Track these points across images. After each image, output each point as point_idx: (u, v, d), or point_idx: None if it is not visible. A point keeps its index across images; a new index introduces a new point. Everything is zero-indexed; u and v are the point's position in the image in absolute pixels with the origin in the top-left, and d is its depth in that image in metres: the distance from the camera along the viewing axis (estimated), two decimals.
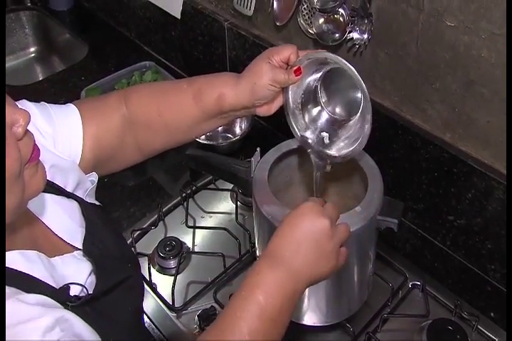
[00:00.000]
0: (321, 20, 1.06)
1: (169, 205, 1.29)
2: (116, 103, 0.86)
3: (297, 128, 0.87)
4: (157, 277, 1.16)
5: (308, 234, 0.70)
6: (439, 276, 1.11)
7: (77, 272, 0.71)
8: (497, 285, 1.06)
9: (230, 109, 0.83)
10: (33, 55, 2.03)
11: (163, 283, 1.15)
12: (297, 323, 1.02)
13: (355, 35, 1.03)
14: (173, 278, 1.12)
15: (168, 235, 1.22)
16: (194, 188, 1.31)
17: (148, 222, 1.25)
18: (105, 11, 1.88)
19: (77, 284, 0.69)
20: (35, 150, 0.61)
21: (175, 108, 0.85)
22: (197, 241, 1.23)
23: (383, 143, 1.10)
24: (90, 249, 0.74)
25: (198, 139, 1.34)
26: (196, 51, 1.51)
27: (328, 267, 0.71)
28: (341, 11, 1.02)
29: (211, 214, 1.29)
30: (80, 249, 0.74)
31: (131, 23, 1.76)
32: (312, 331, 1.05)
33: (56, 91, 1.65)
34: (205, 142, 1.35)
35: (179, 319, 1.08)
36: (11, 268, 0.62)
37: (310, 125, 0.87)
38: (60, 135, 0.79)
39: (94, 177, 0.85)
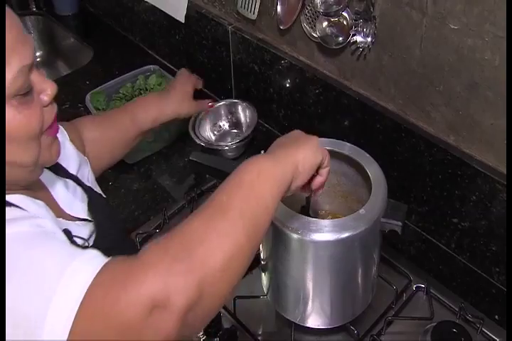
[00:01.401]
0: (325, 23, 1.06)
1: (174, 209, 1.29)
2: (77, 131, 1.03)
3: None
4: None
5: (298, 140, 0.76)
6: (443, 279, 1.11)
7: (79, 231, 0.75)
8: (502, 287, 1.06)
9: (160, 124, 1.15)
10: (38, 59, 2.04)
11: None
12: (301, 325, 1.02)
13: (358, 38, 1.03)
14: None
15: None
16: (199, 192, 1.31)
17: (153, 226, 1.25)
18: (110, 15, 1.89)
19: (79, 238, 0.72)
20: (55, 123, 0.71)
21: (119, 132, 1.09)
22: None
23: (387, 146, 1.10)
24: (94, 212, 0.82)
25: (202, 143, 1.34)
26: (200, 55, 1.52)
27: (302, 148, 0.73)
28: (345, 14, 1.02)
29: None
30: (82, 219, 0.80)
31: (135, 27, 1.77)
32: (316, 333, 1.05)
33: (61, 95, 1.64)
34: (210, 146, 1.35)
35: None
36: (18, 206, 0.64)
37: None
38: None
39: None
